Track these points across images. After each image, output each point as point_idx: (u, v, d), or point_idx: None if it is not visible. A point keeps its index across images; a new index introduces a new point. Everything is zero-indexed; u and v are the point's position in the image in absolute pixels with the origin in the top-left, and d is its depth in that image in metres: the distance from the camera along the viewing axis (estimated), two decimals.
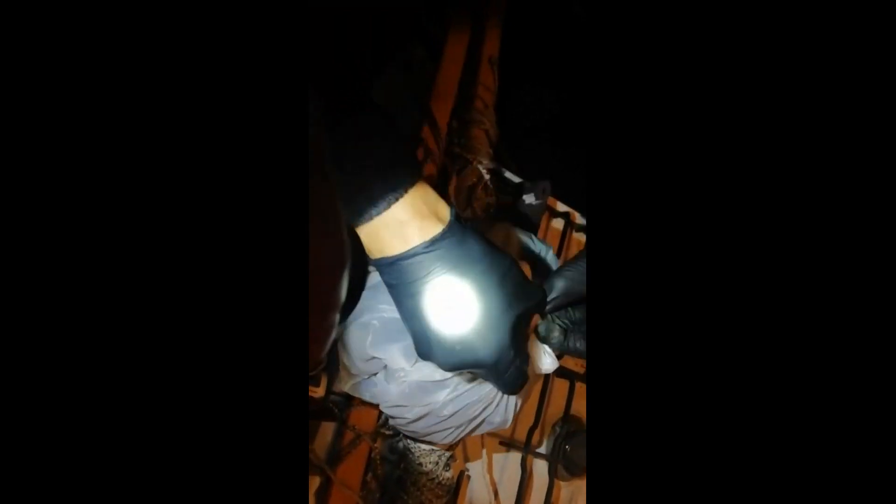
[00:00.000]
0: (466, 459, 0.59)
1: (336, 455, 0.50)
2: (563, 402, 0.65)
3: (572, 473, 0.64)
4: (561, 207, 0.68)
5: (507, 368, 0.41)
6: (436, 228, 0.40)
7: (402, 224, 0.40)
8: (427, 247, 0.39)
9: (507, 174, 0.62)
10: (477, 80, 0.57)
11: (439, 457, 0.49)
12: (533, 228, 0.60)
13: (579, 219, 0.69)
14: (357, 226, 0.40)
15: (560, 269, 0.45)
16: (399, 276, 0.40)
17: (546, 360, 0.47)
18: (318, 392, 0.49)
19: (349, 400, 0.51)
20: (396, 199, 0.39)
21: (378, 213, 0.39)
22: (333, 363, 0.49)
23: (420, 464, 0.49)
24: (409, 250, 0.39)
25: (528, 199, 0.59)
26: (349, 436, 0.50)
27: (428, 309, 0.40)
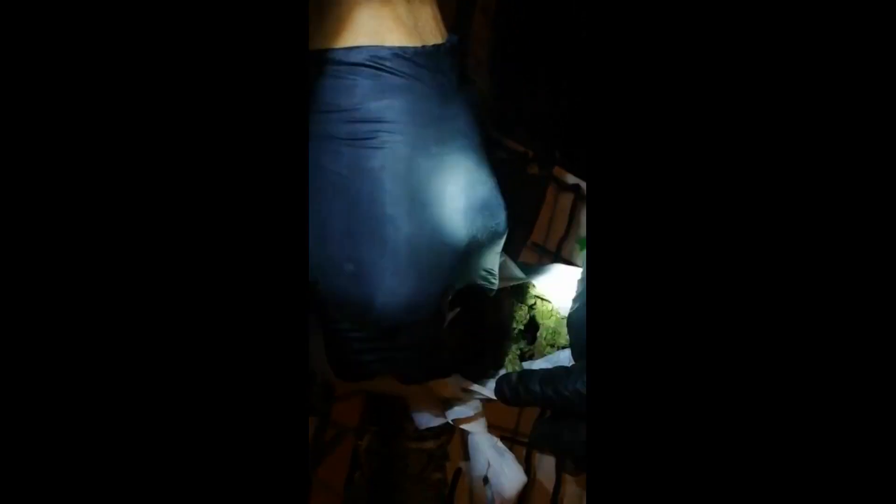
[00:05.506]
0: (465, 458, 0.54)
1: (317, 453, 0.46)
2: None
3: (580, 466, 0.60)
4: (570, 180, 0.62)
5: (414, 325, 0.28)
6: (409, 40, 0.25)
7: (360, 6, 0.24)
8: (384, 56, 0.23)
9: (509, 142, 0.56)
10: (469, 35, 0.51)
11: (428, 457, 0.45)
12: (535, 209, 0.55)
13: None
14: None
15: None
16: (333, 91, 0.25)
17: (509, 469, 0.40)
18: None
19: (331, 392, 0.46)
20: None
21: None
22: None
23: (406, 465, 0.44)
24: (353, 47, 0.24)
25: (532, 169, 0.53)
26: (331, 432, 0.46)
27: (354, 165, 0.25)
